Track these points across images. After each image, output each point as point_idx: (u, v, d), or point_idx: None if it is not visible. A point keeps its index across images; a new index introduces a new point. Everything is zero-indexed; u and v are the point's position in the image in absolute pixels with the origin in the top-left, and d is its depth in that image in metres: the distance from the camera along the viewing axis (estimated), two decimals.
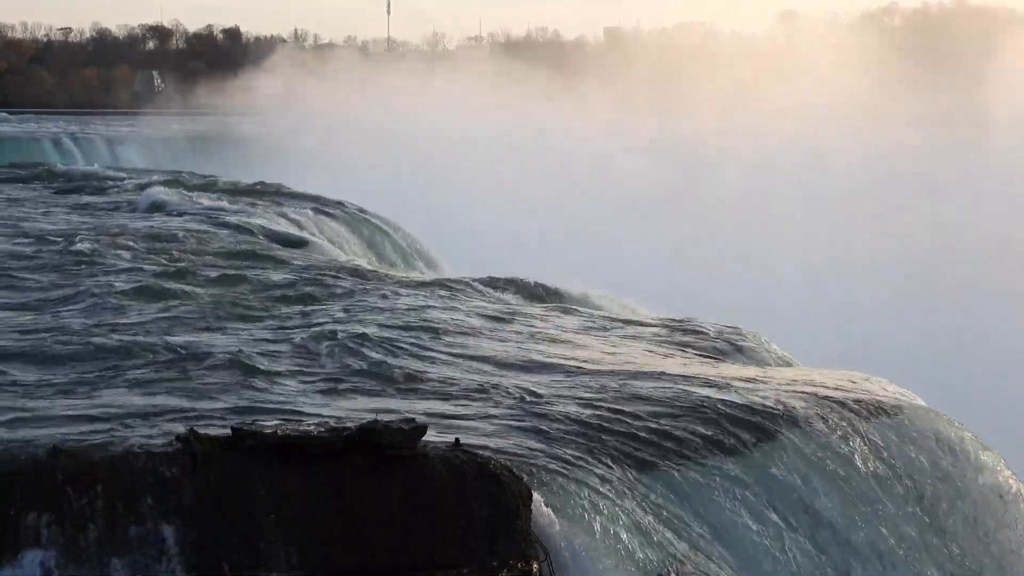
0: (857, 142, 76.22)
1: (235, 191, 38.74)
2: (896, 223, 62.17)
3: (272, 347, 15.64)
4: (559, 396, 14.18)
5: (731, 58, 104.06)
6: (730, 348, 18.49)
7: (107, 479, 10.32)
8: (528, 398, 14.02)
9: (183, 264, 22.75)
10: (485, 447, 11.68)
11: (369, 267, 26.23)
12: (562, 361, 16.15)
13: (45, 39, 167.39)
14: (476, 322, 18.62)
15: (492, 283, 23.32)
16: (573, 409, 13.68)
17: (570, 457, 12.21)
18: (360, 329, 16.82)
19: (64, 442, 10.87)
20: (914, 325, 47.77)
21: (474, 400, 13.87)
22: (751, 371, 16.47)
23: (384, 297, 20.09)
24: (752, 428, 13.73)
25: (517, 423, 13.03)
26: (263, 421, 11.51)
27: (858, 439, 14.21)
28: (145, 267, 21.95)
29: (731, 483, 12.85)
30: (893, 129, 78.27)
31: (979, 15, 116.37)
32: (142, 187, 37.62)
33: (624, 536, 11.37)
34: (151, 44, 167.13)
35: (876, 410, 14.88)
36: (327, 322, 17.39)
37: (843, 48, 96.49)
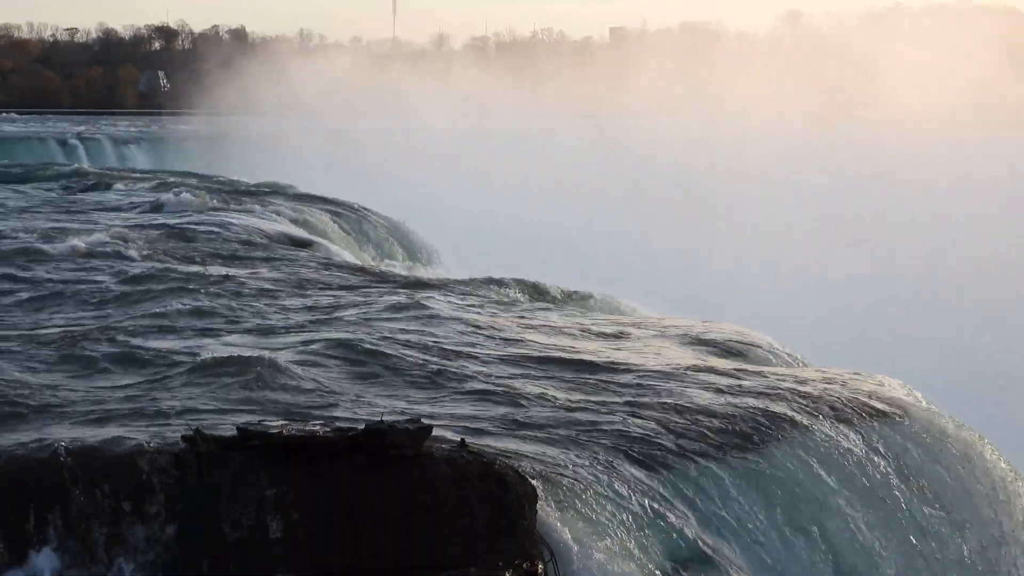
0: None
1: (241, 191, 38.80)
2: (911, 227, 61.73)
3: (278, 347, 15.66)
4: (565, 396, 14.20)
5: (737, 58, 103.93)
6: (740, 348, 18.44)
7: (113, 479, 10.35)
8: (534, 398, 14.03)
9: (188, 264, 22.79)
10: (491, 447, 11.69)
11: (375, 267, 26.28)
12: (567, 361, 16.14)
13: (51, 39, 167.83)
14: (480, 322, 18.63)
15: (496, 283, 23.31)
16: (579, 409, 13.69)
17: (577, 457, 12.21)
18: (367, 329, 16.85)
19: (70, 442, 10.88)
20: (929, 334, 47.24)
21: (479, 400, 13.88)
22: (761, 370, 16.45)
23: (390, 297, 20.09)
24: (763, 428, 13.71)
25: (523, 423, 13.04)
26: (269, 421, 11.53)
27: (873, 439, 14.20)
28: (150, 267, 21.98)
29: (740, 483, 12.84)
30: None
31: None
32: (148, 187, 37.72)
33: (632, 536, 11.37)
34: (157, 44, 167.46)
35: (900, 414, 14.85)
36: (331, 322, 17.41)
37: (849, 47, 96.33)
